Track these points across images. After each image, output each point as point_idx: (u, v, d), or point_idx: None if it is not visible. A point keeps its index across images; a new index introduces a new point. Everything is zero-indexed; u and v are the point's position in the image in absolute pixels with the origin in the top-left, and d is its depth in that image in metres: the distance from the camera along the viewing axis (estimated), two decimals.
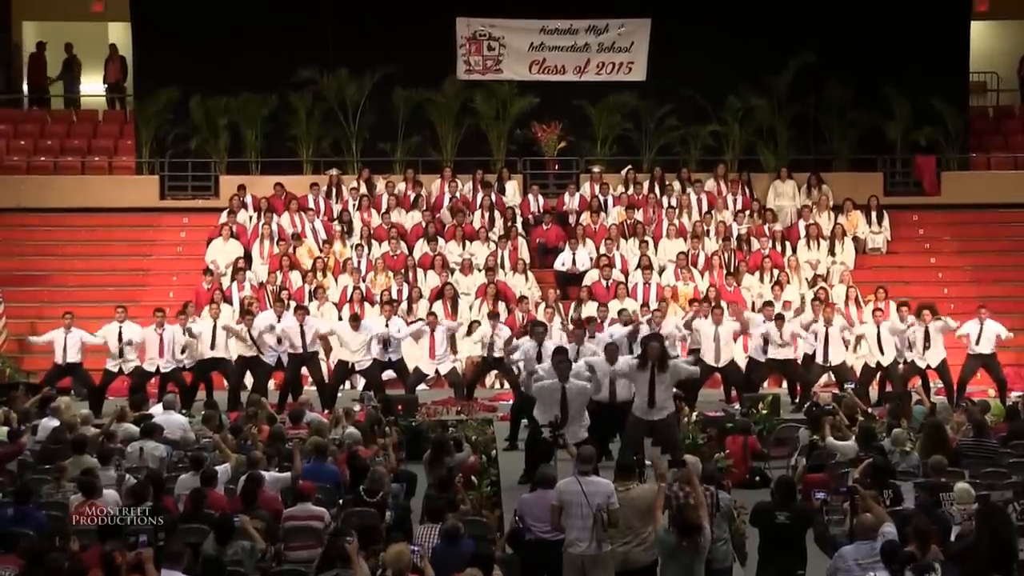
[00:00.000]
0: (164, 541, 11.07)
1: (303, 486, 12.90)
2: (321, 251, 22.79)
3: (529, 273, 22.58)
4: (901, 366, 19.49)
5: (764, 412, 17.70)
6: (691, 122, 25.32)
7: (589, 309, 20.60)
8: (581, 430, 14.37)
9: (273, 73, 25.04)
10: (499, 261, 22.52)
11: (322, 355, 20.12)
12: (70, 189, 25.15)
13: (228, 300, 21.06)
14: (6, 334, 21.99)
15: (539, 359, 16.21)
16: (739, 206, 24.06)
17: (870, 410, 17.42)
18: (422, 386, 19.82)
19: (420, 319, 20.27)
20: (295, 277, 22.00)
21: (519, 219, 23.89)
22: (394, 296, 21.07)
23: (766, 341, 19.31)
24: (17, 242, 24.64)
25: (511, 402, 18.00)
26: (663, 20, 25.24)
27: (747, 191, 24.54)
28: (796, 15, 25.10)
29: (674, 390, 15.37)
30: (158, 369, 19.42)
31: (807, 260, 22.72)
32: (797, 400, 19.15)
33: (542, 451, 13.62)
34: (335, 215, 23.76)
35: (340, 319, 20.61)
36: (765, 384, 20.04)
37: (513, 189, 24.68)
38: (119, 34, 27.67)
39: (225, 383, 19.72)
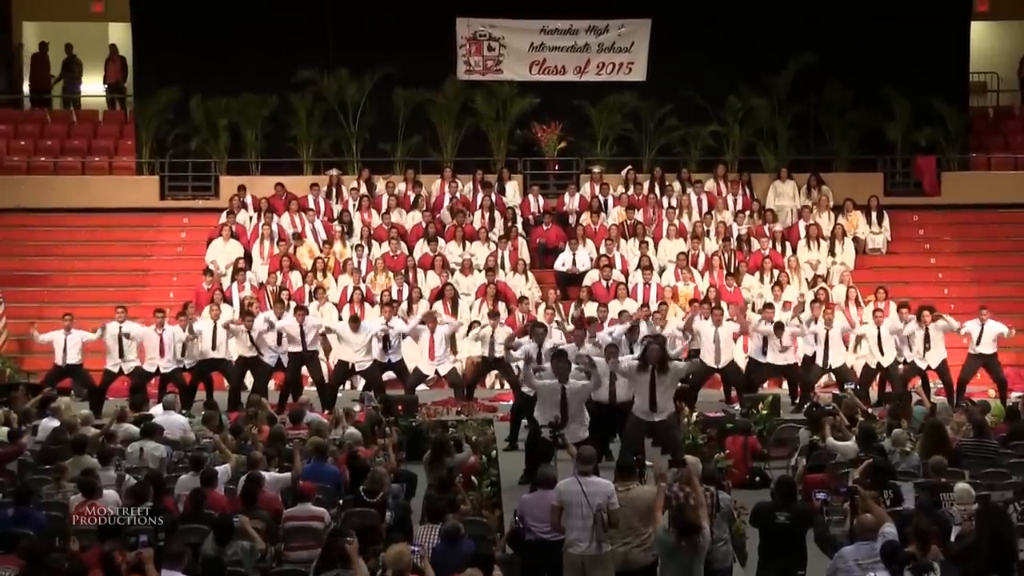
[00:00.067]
0: (164, 541, 11.07)
1: (303, 486, 12.90)
2: (321, 251, 22.79)
3: (529, 273, 22.58)
4: (901, 367, 19.48)
5: (764, 412, 17.70)
6: (691, 122, 25.33)
7: (589, 310, 20.61)
8: (581, 429, 14.38)
9: (273, 73, 25.05)
10: (499, 261, 22.52)
11: (322, 355, 20.12)
12: (70, 189, 25.16)
13: (228, 300, 21.06)
14: (6, 334, 22.00)
15: (539, 360, 16.19)
16: (739, 206, 24.06)
17: (870, 410, 17.41)
18: (422, 386, 19.81)
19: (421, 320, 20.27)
20: (295, 277, 22.00)
21: (519, 219, 23.89)
22: (394, 296, 21.07)
23: (766, 342, 19.31)
24: (17, 242, 24.64)
25: (511, 402, 18.00)
26: (663, 20, 25.26)
27: (747, 191, 24.54)
28: (796, 15, 25.10)
29: (679, 384, 15.39)
30: (158, 370, 19.41)
31: (807, 260, 22.72)
32: (797, 400, 19.15)
33: (542, 451, 13.62)
34: (335, 215, 23.76)
35: (340, 319, 20.61)
36: (765, 384, 20.03)
37: (513, 189, 24.68)
38: (119, 34, 27.68)
39: (225, 383, 19.71)
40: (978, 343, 19.56)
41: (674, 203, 23.92)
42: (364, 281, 21.86)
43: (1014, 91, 27.99)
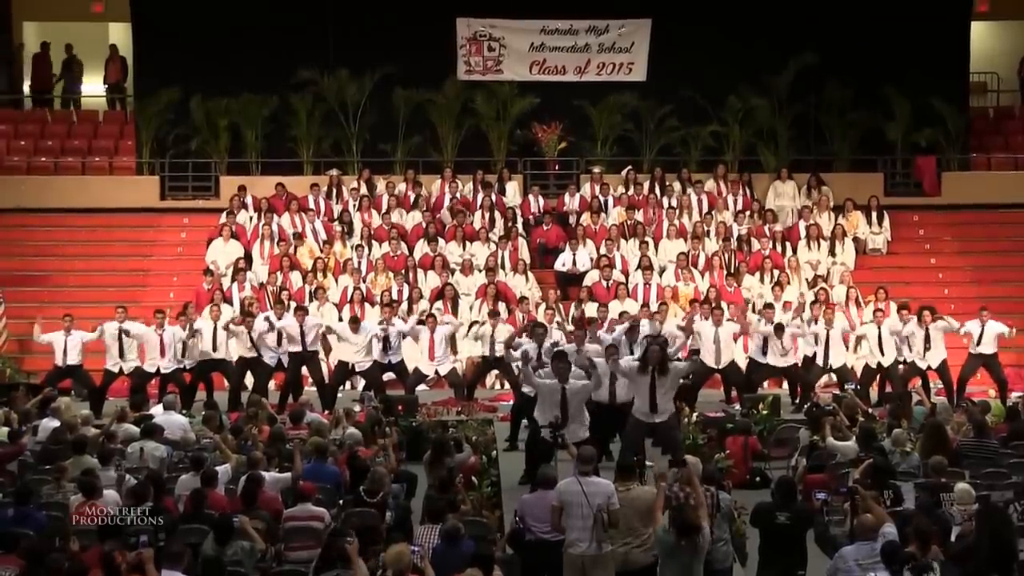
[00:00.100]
0: (164, 541, 11.07)
1: (303, 486, 12.90)
2: (321, 252, 22.79)
3: (529, 274, 22.58)
4: (901, 367, 19.48)
5: (764, 413, 17.71)
6: (691, 122, 25.33)
7: (589, 310, 20.61)
8: (581, 429, 14.36)
9: (273, 74, 25.05)
10: (499, 262, 22.51)
11: (322, 355, 20.12)
12: (70, 189, 25.16)
13: (228, 301, 21.06)
14: (6, 334, 22.00)
15: (539, 360, 16.19)
16: (739, 207, 24.06)
17: (870, 410, 17.41)
18: (422, 386, 19.82)
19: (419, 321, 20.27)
20: (295, 278, 22.00)
21: (519, 220, 23.89)
22: (394, 297, 21.07)
23: (766, 342, 19.31)
24: (17, 242, 24.63)
25: (511, 402, 17.98)
26: (663, 20, 25.25)
27: (747, 192, 24.53)
28: (796, 15, 25.10)
29: (681, 380, 15.39)
30: (158, 370, 19.41)
31: (807, 261, 22.72)
32: (797, 401, 19.15)
33: (542, 451, 13.62)
34: (335, 216, 23.76)
35: (340, 320, 20.61)
36: (765, 384, 20.04)
37: (513, 190, 24.68)
38: (119, 34, 27.68)
39: (225, 383, 19.72)
40: (979, 343, 19.55)
41: (674, 203, 23.92)
42: (364, 281, 21.86)
43: (1014, 91, 27.99)
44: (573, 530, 11.14)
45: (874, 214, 24.06)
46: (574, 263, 22.71)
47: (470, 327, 20.67)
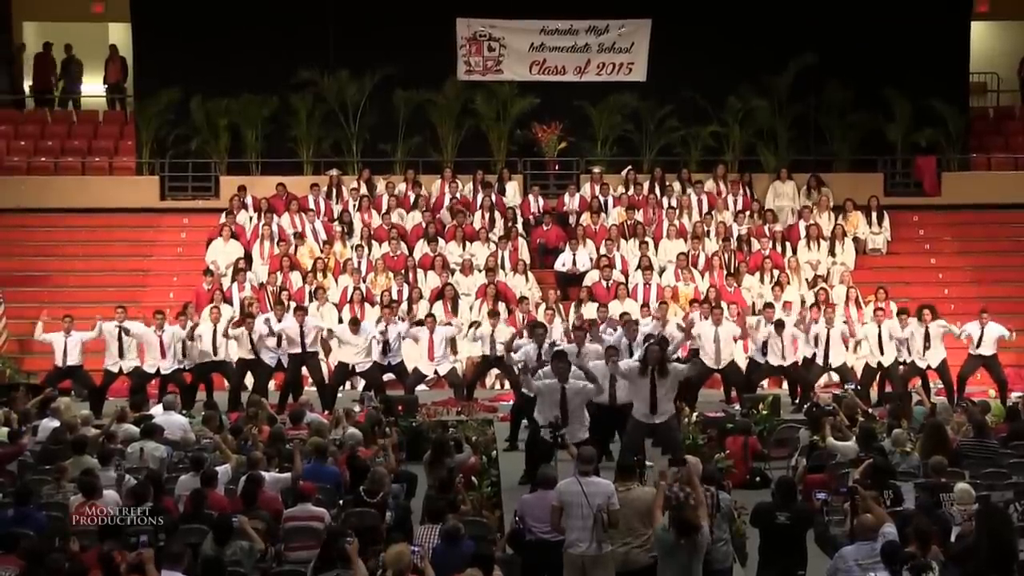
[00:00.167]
0: (164, 542, 11.07)
1: (303, 487, 12.90)
2: (321, 252, 22.79)
3: (529, 274, 22.58)
4: (901, 367, 19.48)
5: (764, 413, 17.70)
6: (691, 123, 25.33)
7: (589, 310, 20.59)
8: (581, 430, 14.36)
9: (273, 74, 25.06)
10: (499, 262, 22.51)
11: (322, 356, 20.12)
12: (70, 189, 25.16)
13: (228, 301, 21.07)
14: (6, 334, 22.00)
15: (539, 360, 16.19)
16: (739, 207, 24.06)
17: (870, 410, 17.41)
18: (422, 387, 19.82)
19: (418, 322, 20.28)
20: (295, 278, 21.99)
21: (519, 220, 23.89)
22: (394, 297, 21.07)
23: (766, 342, 19.31)
24: (17, 242, 24.63)
25: (511, 403, 17.99)
26: (663, 21, 25.25)
27: (747, 192, 24.53)
28: (797, 16, 25.10)
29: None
30: (159, 370, 19.40)
31: (807, 261, 22.72)
32: (797, 401, 19.15)
33: (542, 452, 13.62)
34: (335, 216, 23.76)
35: (340, 320, 20.62)
36: (765, 384, 20.04)
37: (513, 190, 24.68)
38: (119, 35, 27.68)
39: (225, 383, 19.72)
40: (978, 346, 19.54)
41: (674, 203, 23.92)
42: (364, 281, 21.86)
43: (1014, 91, 27.98)
44: (573, 530, 11.14)
45: (874, 214, 24.06)
46: (574, 263, 22.71)
47: (470, 327, 20.66)
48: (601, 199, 24.06)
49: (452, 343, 20.33)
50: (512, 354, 17.35)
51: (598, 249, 22.83)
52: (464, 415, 18.22)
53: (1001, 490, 12.78)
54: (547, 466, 12.39)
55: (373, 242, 22.98)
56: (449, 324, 20.44)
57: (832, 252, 22.92)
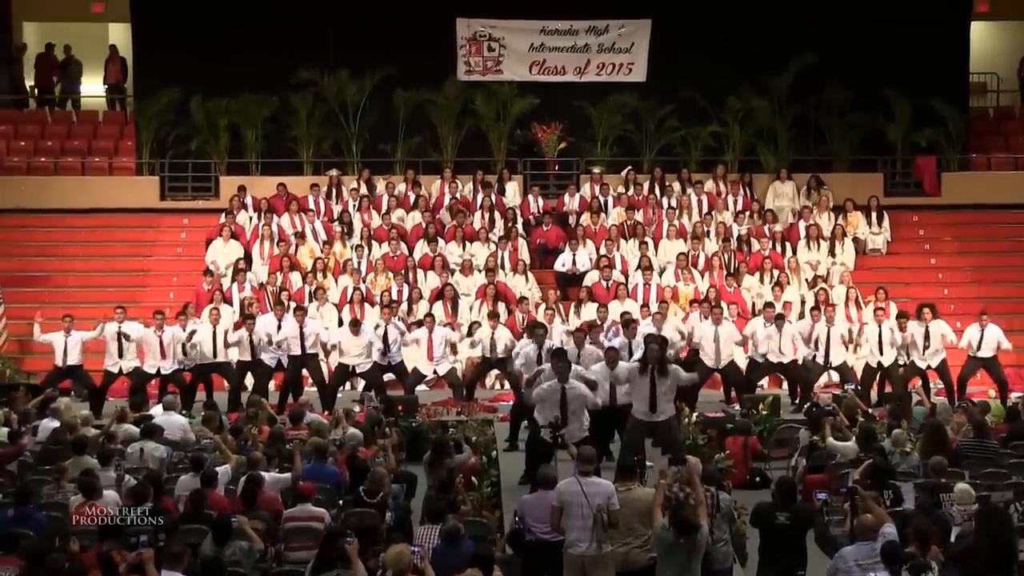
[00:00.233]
0: (164, 542, 11.07)
1: (303, 487, 12.90)
2: (321, 252, 22.79)
3: (529, 274, 22.58)
4: (901, 367, 19.47)
5: (764, 413, 17.70)
6: (691, 123, 25.33)
7: (589, 310, 20.59)
8: (581, 430, 14.34)
9: (273, 74, 25.06)
10: (499, 262, 22.51)
11: (322, 356, 20.11)
12: (70, 190, 25.16)
13: (228, 301, 21.08)
14: (6, 335, 22.00)
15: (539, 361, 16.19)
16: (739, 207, 24.06)
17: (870, 411, 17.40)
18: (422, 387, 19.81)
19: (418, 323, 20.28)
20: (295, 278, 21.99)
21: (519, 220, 23.89)
22: (394, 297, 21.07)
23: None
24: (17, 242, 24.63)
25: (511, 403, 17.99)
26: (663, 21, 25.26)
27: (747, 192, 24.54)
28: (796, 16, 25.10)
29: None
30: (159, 371, 19.40)
31: (807, 261, 22.72)
32: (797, 401, 19.15)
33: (542, 452, 13.61)
34: (335, 216, 23.76)
35: (340, 320, 20.62)
36: (765, 384, 20.04)
37: (513, 190, 24.68)
38: (119, 35, 27.68)
39: (225, 384, 19.70)
40: (978, 348, 19.51)
41: (674, 203, 23.92)
42: (364, 282, 21.85)
43: (1014, 91, 27.98)
44: (573, 530, 11.13)
45: (874, 214, 24.06)
46: (574, 263, 22.70)
47: (470, 328, 20.66)
48: (601, 199, 24.06)
49: (452, 344, 20.31)
50: (513, 358, 17.35)
51: (598, 249, 22.82)
52: (464, 415, 18.22)
53: (1001, 490, 12.77)
54: (547, 466, 12.38)
55: (373, 242, 22.99)
56: (449, 325, 20.44)
57: (832, 252, 22.91)
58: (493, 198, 23.96)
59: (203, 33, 24.98)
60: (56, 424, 15.79)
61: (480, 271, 22.37)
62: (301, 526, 12.09)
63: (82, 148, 26.51)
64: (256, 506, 12.33)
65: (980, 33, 27.36)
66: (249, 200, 23.97)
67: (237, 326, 19.73)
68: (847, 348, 19.83)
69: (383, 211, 23.79)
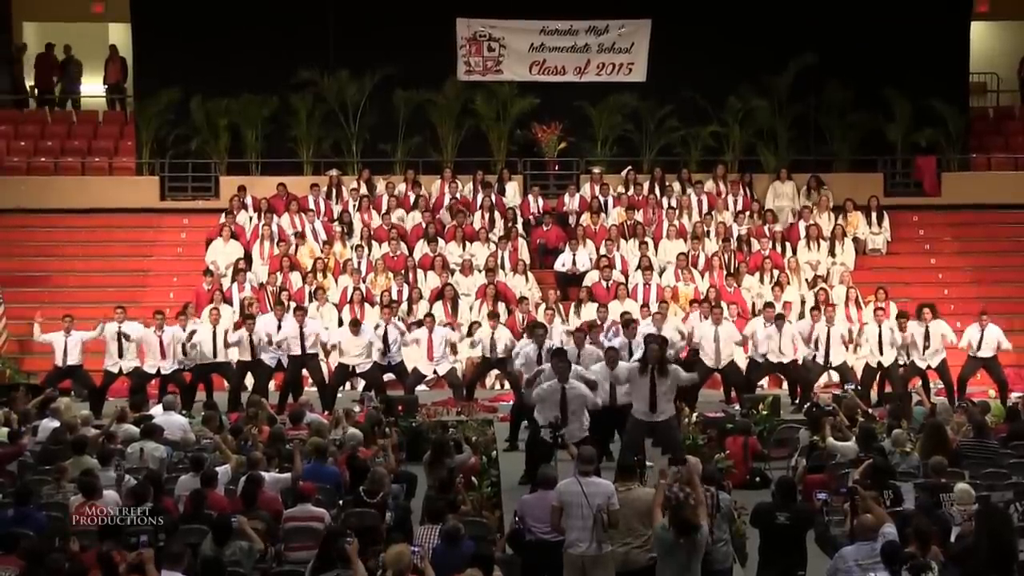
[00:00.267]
0: (164, 542, 11.07)
1: (303, 487, 12.90)
2: (321, 252, 22.79)
3: (529, 274, 22.58)
4: (901, 367, 19.47)
5: (764, 413, 17.70)
6: (691, 123, 25.33)
7: (589, 310, 20.59)
8: (580, 430, 14.34)
9: (273, 74, 25.06)
10: (499, 262, 22.51)
11: (322, 356, 20.11)
12: (70, 190, 25.16)
13: (228, 301, 21.08)
14: (6, 335, 22.00)
15: (539, 361, 16.20)
16: (739, 207, 24.06)
17: (870, 411, 17.40)
18: (422, 387, 19.81)
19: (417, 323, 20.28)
20: (295, 278, 21.99)
21: (519, 220, 23.89)
22: (394, 297, 21.08)
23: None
24: (17, 242, 24.63)
25: (511, 403, 17.99)
26: (663, 21, 25.26)
27: (747, 192, 24.53)
28: (796, 16, 25.10)
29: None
30: (159, 371, 19.40)
31: (807, 261, 22.72)
32: (797, 401, 19.15)
33: (542, 452, 13.61)
34: (335, 216, 23.76)
35: (340, 320, 20.62)
36: (765, 384, 20.04)
37: (513, 190, 24.68)
38: (119, 35, 27.68)
39: (225, 384, 19.70)
40: (978, 348, 19.51)
41: (674, 203, 23.92)
42: (364, 282, 21.85)
43: (1014, 91, 27.98)
44: (573, 530, 11.13)
45: (874, 214, 24.06)
46: (574, 263, 22.70)
47: (470, 328, 20.66)
48: (601, 199, 24.06)
49: (452, 344, 20.32)
50: (514, 359, 17.34)
51: (598, 249, 22.82)
52: (464, 415, 18.22)
53: (1001, 490, 12.77)
54: (547, 466, 12.38)
55: (373, 242, 22.99)
56: (449, 325, 20.45)
57: (832, 252, 22.91)
58: (493, 198, 23.96)
59: (203, 33, 24.98)
60: (56, 424, 15.79)
61: (480, 271, 22.37)
62: (301, 526, 12.09)
63: (82, 148, 26.51)
64: (256, 506, 12.33)
65: (980, 33, 27.36)
66: (249, 200, 23.97)
67: (237, 326, 19.74)
68: (847, 348, 19.83)
69: (383, 211, 23.79)
